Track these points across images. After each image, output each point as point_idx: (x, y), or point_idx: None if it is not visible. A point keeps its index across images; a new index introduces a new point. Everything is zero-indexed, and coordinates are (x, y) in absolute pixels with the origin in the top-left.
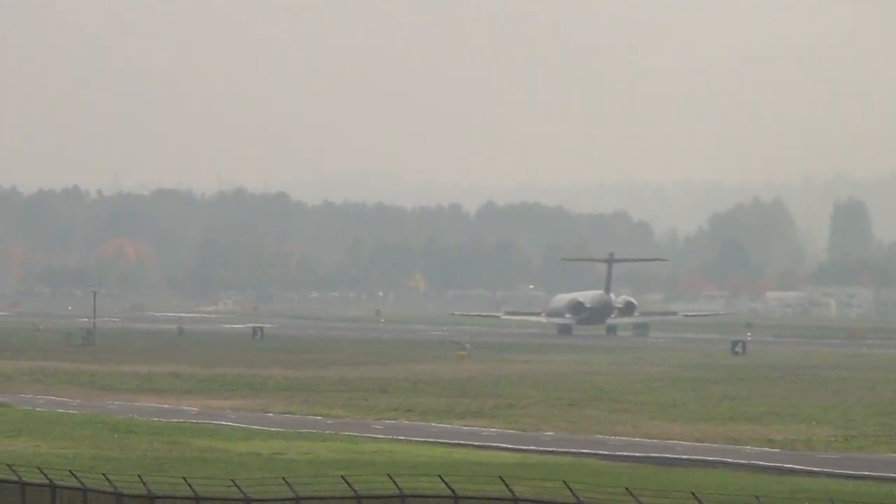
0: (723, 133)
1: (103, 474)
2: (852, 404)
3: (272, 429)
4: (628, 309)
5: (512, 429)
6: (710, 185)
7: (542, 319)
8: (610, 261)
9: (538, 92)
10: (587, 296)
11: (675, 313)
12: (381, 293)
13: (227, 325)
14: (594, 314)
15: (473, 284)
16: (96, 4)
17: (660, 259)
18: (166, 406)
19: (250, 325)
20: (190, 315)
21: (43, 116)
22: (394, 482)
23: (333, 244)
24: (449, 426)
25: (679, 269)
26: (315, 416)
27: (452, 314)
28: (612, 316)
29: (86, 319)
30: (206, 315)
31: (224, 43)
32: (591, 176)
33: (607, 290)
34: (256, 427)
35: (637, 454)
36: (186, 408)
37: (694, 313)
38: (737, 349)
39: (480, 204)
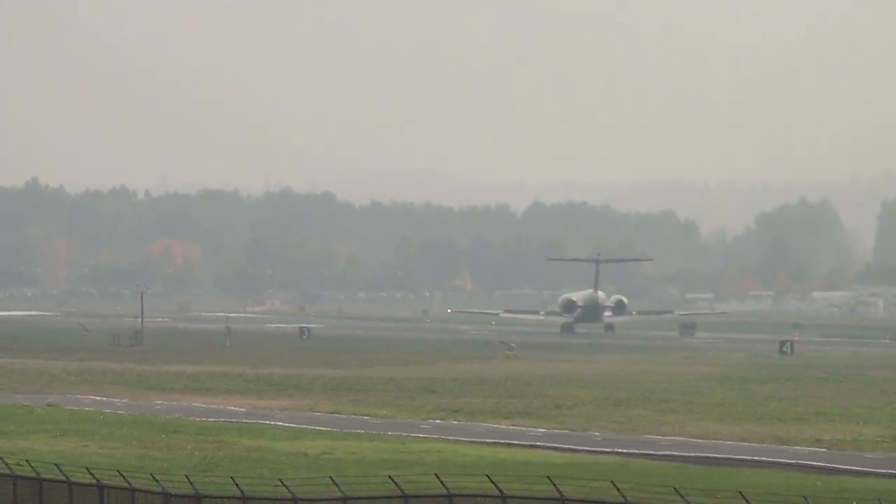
0: (769, 132)
1: (151, 474)
2: None
3: (319, 428)
4: (619, 308)
5: (559, 429)
6: (756, 184)
7: (542, 318)
8: (597, 261)
9: (585, 90)
10: (579, 295)
11: (670, 311)
12: (427, 293)
13: (274, 325)
14: (586, 312)
15: (520, 284)
16: (146, 8)
17: (646, 259)
18: (213, 406)
19: (297, 325)
20: (237, 315)
21: (90, 117)
22: (441, 482)
23: (380, 244)
24: (496, 426)
25: (726, 269)
26: (362, 415)
27: (449, 311)
28: (608, 314)
29: (133, 319)
30: (253, 315)
31: (270, 45)
32: (638, 175)
33: (596, 289)
34: (304, 427)
35: (684, 454)
36: (233, 408)
37: (693, 312)
38: (784, 349)
39: (527, 203)
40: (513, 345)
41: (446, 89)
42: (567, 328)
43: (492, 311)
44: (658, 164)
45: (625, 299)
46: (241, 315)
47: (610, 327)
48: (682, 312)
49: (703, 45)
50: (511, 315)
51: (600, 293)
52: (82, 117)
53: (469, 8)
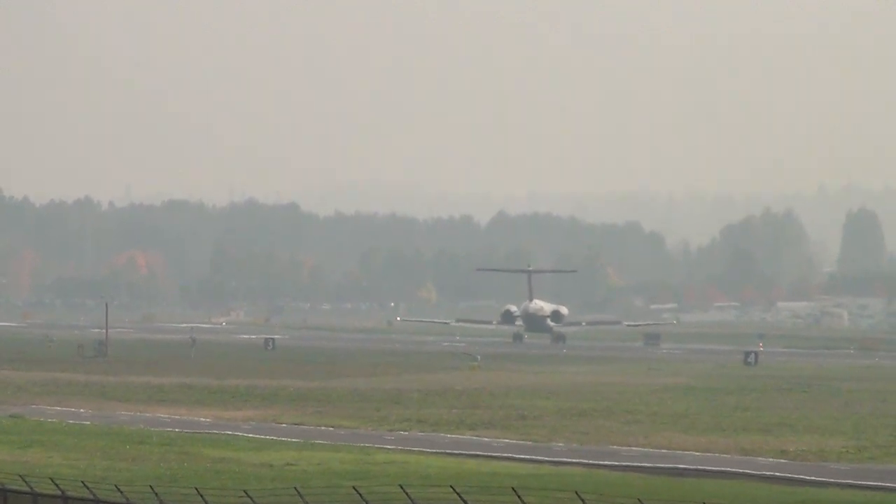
0: (734, 144)
1: (115, 485)
2: (864, 415)
3: (284, 439)
4: (556, 318)
5: (523, 440)
6: (721, 195)
7: (493, 327)
8: (529, 272)
9: (549, 102)
10: (517, 306)
11: (619, 322)
12: (392, 304)
13: (239, 336)
14: (527, 322)
15: (485, 295)
16: (107, 19)
17: (571, 270)
18: (178, 417)
19: (262, 335)
20: (202, 326)
21: (55, 128)
22: (405, 493)
23: (345, 255)
24: (460, 437)
25: (691, 280)
26: (327, 426)
27: (398, 319)
28: (560, 324)
29: (98, 330)
30: (218, 326)
31: (234, 55)
32: (603, 186)
33: (530, 299)
34: (268, 438)
35: (649, 465)
36: (198, 419)
37: (640, 323)
38: (749, 360)
39: (492, 214)
40: (477, 356)
41: (411, 101)
42: (518, 337)
43: (443, 321)
44: (623, 176)
45: (563, 310)
46: (206, 326)
47: (560, 337)
48: (628, 323)
49: (668, 57)
50: (463, 324)
51: (540, 303)
52: (47, 128)
53: (434, 20)
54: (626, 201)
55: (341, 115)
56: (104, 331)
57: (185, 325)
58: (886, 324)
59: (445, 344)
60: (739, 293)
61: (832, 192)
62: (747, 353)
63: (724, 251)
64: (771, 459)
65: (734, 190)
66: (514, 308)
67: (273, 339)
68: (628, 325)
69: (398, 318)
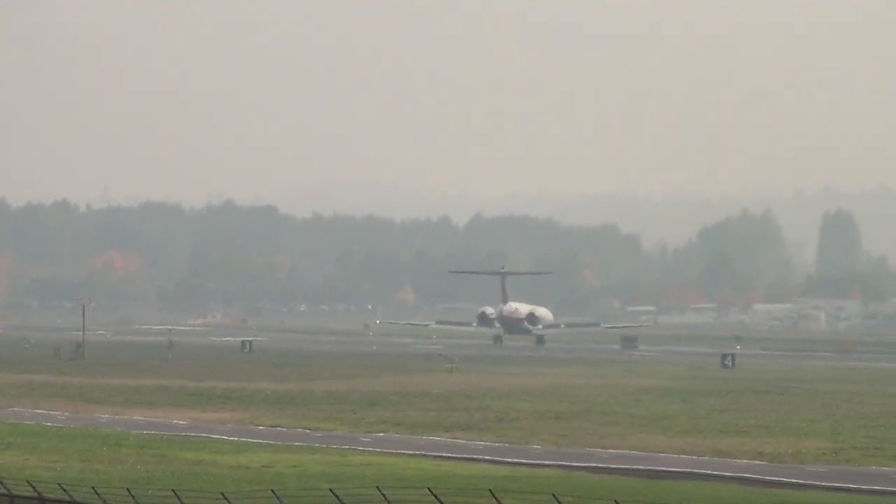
0: (712, 145)
1: (92, 487)
2: (841, 417)
3: (261, 442)
4: (532, 320)
5: (501, 442)
6: (699, 197)
7: (473, 330)
8: (502, 273)
9: (527, 103)
10: (493, 308)
11: (597, 324)
12: (369, 306)
13: (216, 338)
14: (503, 324)
15: (462, 297)
16: (86, 17)
17: (545, 272)
18: (155, 419)
19: (239, 338)
20: (179, 328)
21: (32, 129)
22: (382, 495)
23: (322, 257)
24: (438, 439)
25: (668, 282)
26: (304, 428)
27: (377, 322)
28: (537, 326)
29: (75, 332)
30: (195, 328)
31: (211, 56)
32: (581, 188)
33: (505, 301)
34: (245, 440)
35: (626, 467)
36: (175, 421)
37: (618, 325)
38: (726, 362)
39: (469, 216)
40: (455, 358)
41: (388, 102)
42: (497, 339)
43: (423, 323)
44: (601, 178)
45: (540, 311)
46: (184, 328)
47: (540, 339)
48: (606, 325)
49: (645, 59)
50: (442, 326)
51: (515, 305)
52: (24, 130)
53: (411, 21)
54: (603, 203)
55: (318, 117)
56: (81, 333)
57: (162, 327)
58: (863, 326)
59: (422, 346)
60: (716, 295)
61: (809, 194)
62: (724, 355)
63: (701, 253)
64: (748, 461)
65: (711, 192)
66: (490, 310)
67: (250, 341)
68: (606, 328)
69: (377, 321)
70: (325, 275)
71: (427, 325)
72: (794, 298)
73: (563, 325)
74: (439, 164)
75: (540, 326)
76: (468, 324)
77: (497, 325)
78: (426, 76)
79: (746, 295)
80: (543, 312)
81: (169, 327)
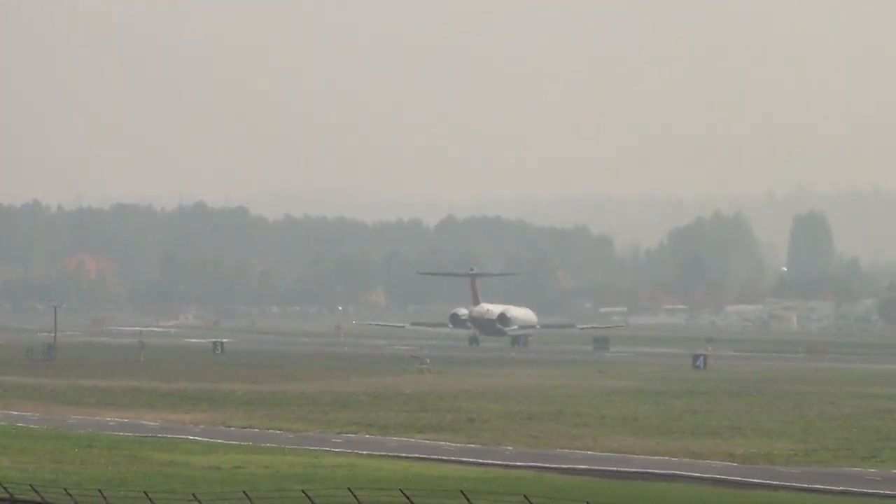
0: (684, 147)
1: (64, 489)
2: (812, 418)
3: (232, 443)
4: (503, 321)
5: (472, 443)
6: (671, 199)
7: (449, 331)
8: (472, 275)
9: (498, 105)
10: (465, 309)
11: (572, 325)
12: (340, 308)
13: (188, 340)
14: (475, 325)
15: (434, 299)
16: (64, 16)
17: (512, 274)
18: (127, 420)
19: (211, 339)
20: (151, 329)
21: (2, 131)
22: (354, 496)
23: (294, 259)
24: (409, 440)
25: (640, 283)
26: (275, 430)
27: (354, 322)
28: (516, 327)
29: (47, 334)
30: (167, 329)
31: (182, 57)
32: (553, 189)
33: (476, 302)
34: (217, 441)
35: (598, 468)
36: (147, 422)
37: (591, 326)
38: (698, 363)
39: (440, 217)
40: (426, 359)
41: (359, 104)
42: (473, 340)
43: (398, 324)
44: (572, 179)
45: (511, 313)
46: (156, 329)
47: (516, 340)
48: (581, 326)
49: (616, 61)
50: (418, 328)
51: (487, 306)
52: None
53: (381, 24)
54: (575, 204)
55: (290, 119)
56: (53, 334)
57: (134, 328)
58: (835, 327)
59: (394, 348)
60: (688, 296)
61: (781, 196)
62: (696, 357)
63: (673, 255)
64: (719, 462)
65: (683, 193)
66: (462, 311)
67: (222, 342)
68: (582, 329)
69: (353, 322)
70: (297, 276)
71: (403, 327)
72: (766, 300)
73: (538, 326)
74: (411, 166)
75: (516, 327)
76: (444, 325)
77: (469, 326)
78: (397, 79)
79: (718, 296)
80: (523, 314)
81: (141, 329)
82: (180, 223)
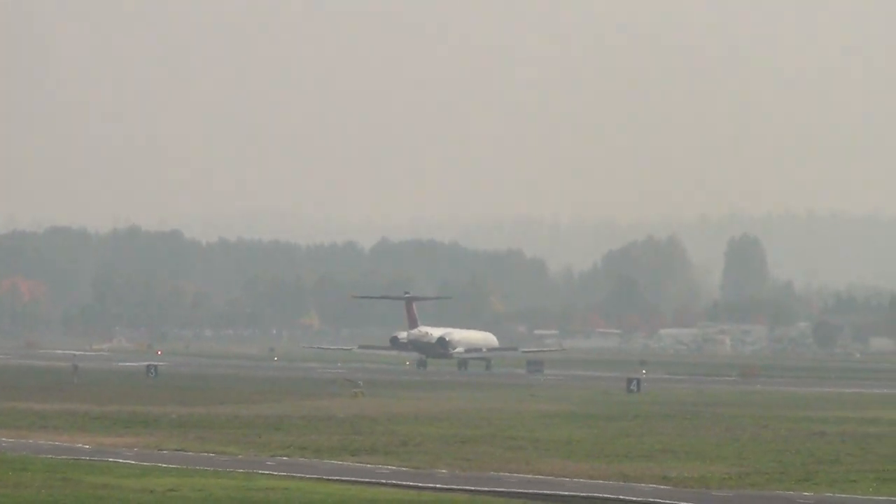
0: (618, 170)
1: None
2: (746, 441)
3: (166, 466)
4: (442, 344)
5: (406, 466)
6: (605, 221)
7: (396, 354)
8: (407, 298)
9: (432, 127)
10: (404, 333)
11: (515, 349)
12: (274, 331)
13: (121, 363)
14: (415, 348)
15: (368, 322)
16: None
17: (446, 297)
18: (60, 443)
19: (144, 362)
20: (84, 353)
21: None
22: None
23: (228, 282)
24: (343, 463)
25: (574, 306)
26: (209, 452)
27: (302, 346)
28: (461, 350)
29: None
30: (100, 353)
31: (115, 80)
32: (487, 212)
33: (412, 326)
34: (150, 464)
35: (532, 491)
36: (80, 445)
37: (534, 350)
38: (631, 386)
39: (374, 240)
40: (360, 382)
41: (292, 127)
42: (422, 364)
43: (346, 347)
44: (506, 202)
45: (450, 336)
46: (89, 353)
47: (463, 364)
48: (525, 350)
49: (549, 83)
50: (366, 351)
51: (425, 328)
52: None
53: (316, 45)
54: (509, 227)
55: (224, 142)
56: None
57: (67, 352)
58: (769, 350)
59: (327, 371)
60: (622, 319)
61: (714, 219)
62: (630, 380)
63: (606, 277)
64: (653, 486)
65: (617, 216)
66: (402, 334)
67: (155, 365)
68: (525, 352)
69: (302, 346)
70: (231, 300)
71: (350, 350)
72: (700, 323)
73: (485, 350)
74: (345, 189)
75: (461, 350)
76: (392, 348)
77: (410, 349)
78: (330, 102)
79: (652, 319)
80: (475, 336)
81: (74, 352)
82: (114, 246)
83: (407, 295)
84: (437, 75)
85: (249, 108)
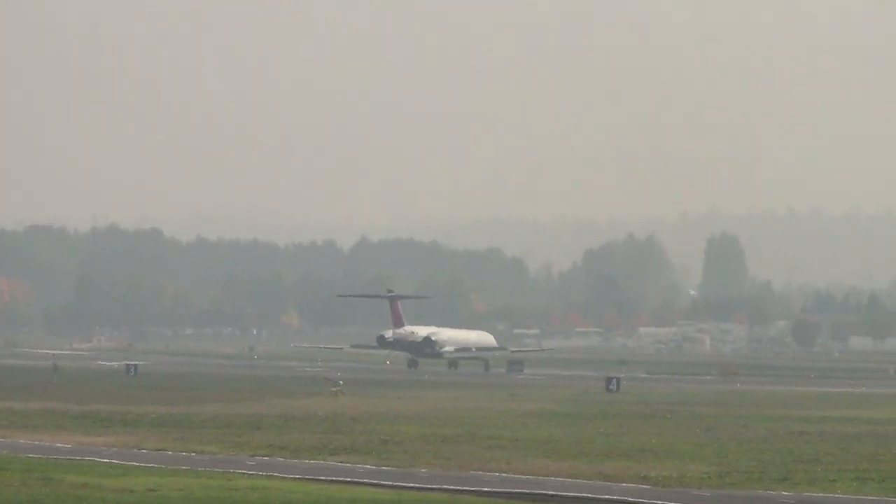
0: (597, 169)
1: None
2: (726, 441)
3: (146, 465)
4: (428, 343)
5: (386, 465)
6: (584, 220)
7: (388, 353)
8: (390, 297)
9: (412, 127)
10: (390, 332)
11: (504, 348)
12: (254, 330)
13: (101, 362)
14: (401, 347)
15: (347, 320)
16: None
17: (425, 297)
18: (40, 442)
19: (124, 361)
20: (64, 352)
21: None
22: None
23: (208, 281)
24: (323, 462)
25: (553, 305)
26: (189, 452)
27: (293, 345)
28: (451, 349)
29: None
30: (80, 352)
31: (95, 80)
32: (466, 211)
33: (398, 326)
34: (130, 463)
35: (512, 490)
36: (60, 444)
37: (521, 350)
38: (611, 386)
39: (354, 240)
40: (340, 381)
41: (273, 126)
42: (413, 363)
43: (337, 346)
44: (486, 201)
45: (434, 336)
46: (69, 352)
47: (453, 363)
48: (513, 349)
49: (528, 83)
50: (357, 350)
51: (411, 328)
52: None
53: (294, 45)
54: (489, 226)
55: (203, 141)
56: None
57: (47, 350)
58: (748, 349)
59: (307, 370)
60: (602, 318)
61: (694, 218)
62: (609, 379)
63: (586, 276)
64: (632, 485)
65: (597, 215)
66: (388, 333)
67: (135, 364)
68: (513, 352)
69: (293, 345)
70: (211, 298)
71: (341, 349)
72: (679, 322)
73: (474, 349)
74: (325, 188)
75: (451, 349)
76: (380, 347)
77: (397, 348)
78: (309, 100)
79: (631, 318)
80: (472, 337)
81: (54, 351)
82: (94, 245)
83: (391, 293)
84: (417, 76)
85: (229, 108)
